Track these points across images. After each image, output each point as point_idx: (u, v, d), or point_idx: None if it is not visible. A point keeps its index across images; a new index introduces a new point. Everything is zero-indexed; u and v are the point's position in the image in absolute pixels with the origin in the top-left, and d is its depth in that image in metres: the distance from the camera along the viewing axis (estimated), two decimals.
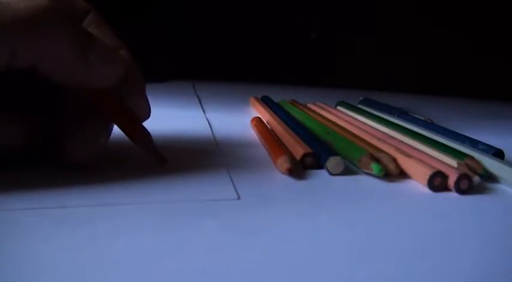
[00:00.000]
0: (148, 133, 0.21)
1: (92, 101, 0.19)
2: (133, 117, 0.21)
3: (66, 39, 0.17)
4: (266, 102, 0.39)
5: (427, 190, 0.19)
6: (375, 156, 0.22)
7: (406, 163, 0.21)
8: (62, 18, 0.17)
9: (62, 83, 0.18)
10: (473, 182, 0.19)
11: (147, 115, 0.21)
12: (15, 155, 0.20)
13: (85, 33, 0.18)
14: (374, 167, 0.20)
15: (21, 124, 0.19)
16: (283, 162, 0.21)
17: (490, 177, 0.21)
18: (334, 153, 0.22)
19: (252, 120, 0.31)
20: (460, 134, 0.27)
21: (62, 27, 0.17)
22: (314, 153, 0.22)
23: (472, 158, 0.22)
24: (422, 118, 0.33)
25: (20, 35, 0.16)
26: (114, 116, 0.20)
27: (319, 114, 0.34)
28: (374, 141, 0.25)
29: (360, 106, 0.39)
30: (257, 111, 0.37)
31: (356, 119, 0.32)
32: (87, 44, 0.18)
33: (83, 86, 0.19)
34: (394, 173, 0.21)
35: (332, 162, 0.21)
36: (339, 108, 0.38)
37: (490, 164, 0.22)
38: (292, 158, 0.21)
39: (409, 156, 0.22)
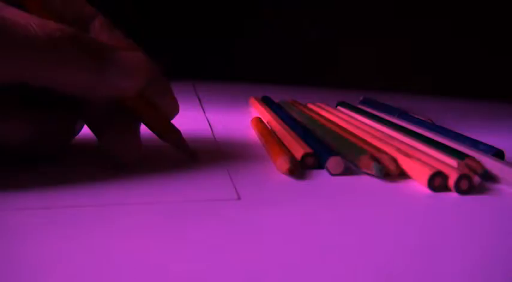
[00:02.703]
0: (177, 130, 0.21)
1: (120, 102, 0.19)
2: (162, 115, 0.21)
3: (79, 63, 0.17)
4: (266, 102, 0.39)
5: (427, 190, 0.19)
6: (375, 156, 0.22)
7: (406, 163, 0.21)
8: (75, 42, 0.17)
9: (81, 98, 0.18)
10: (474, 182, 0.19)
11: (176, 111, 0.22)
12: (17, 153, 0.20)
13: (100, 50, 0.18)
14: (374, 167, 0.20)
15: (25, 120, 0.19)
16: (283, 162, 0.21)
17: (490, 177, 0.21)
18: (334, 153, 0.22)
19: (252, 120, 0.31)
20: (460, 134, 0.27)
21: (74, 52, 0.17)
22: (314, 153, 0.22)
23: (472, 158, 0.22)
24: (422, 118, 0.33)
25: (30, 59, 0.16)
26: (144, 115, 0.20)
27: (319, 114, 0.34)
28: (374, 141, 0.25)
29: (360, 106, 0.39)
30: (257, 111, 0.37)
31: (356, 119, 0.32)
32: (103, 61, 0.17)
33: (107, 98, 0.19)
34: (394, 173, 0.21)
35: (332, 162, 0.21)
36: (339, 108, 0.38)
37: (490, 164, 0.22)
38: (292, 158, 0.21)
39: (409, 156, 0.22)
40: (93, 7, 0.20)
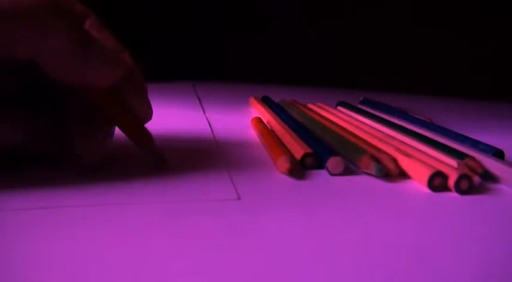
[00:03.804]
0: (149, 134, 0.21)
1: (95, 102, 0.19)
2: (135, 118, 0.21)
3: (65, 34, 0.17)
4: (266, 102, 0.39)
5: (427, 190, 0.19)
6: (375, 156, 0.22)
7: (406, 163, 0.21)
8: (63, 14, 0.17)
9: (60, 80, 0.18)
10: (474, 182, 0.19)
11: (149, 117, 0.22)
12: (15, 155, 0.20)
13: (85, 33, 0.18)
14: (374, 167, 0.20)
15: (22, 123, 0.19)
16: (283, 162, 0.21)
17: (490, 177, 0.21)
18: (334, 153, 0.22)
19: (252, 120, 0.31)
20: (460, 134, 0.27)
21: (62, 22, 0.17)
22: (314, 153, 0.22)
23: (472, 158, 0.22)
24: (422, 118, 0.33)
25: (19, 25, 0.16)
26: (116, 117, 0.20)
27: (319, 114, 0.34)
28: (374, 141, 0.25)
29: (360, 106, 0.39)
30: (257, 111, 0.37)
31: (356, 119, 0.32)
32: (86, 42, 0.18)
33: (82, 85, 0.18)
34: (394, 173, 0.21)
35: (332, 162, 0.21)
36: (339, 108, 0.38)
37: (490, 164, 0.22)
38: (292, 158, 0.21)
39: (409, 156, 0.22)
40: (85, 6, 0.20)
